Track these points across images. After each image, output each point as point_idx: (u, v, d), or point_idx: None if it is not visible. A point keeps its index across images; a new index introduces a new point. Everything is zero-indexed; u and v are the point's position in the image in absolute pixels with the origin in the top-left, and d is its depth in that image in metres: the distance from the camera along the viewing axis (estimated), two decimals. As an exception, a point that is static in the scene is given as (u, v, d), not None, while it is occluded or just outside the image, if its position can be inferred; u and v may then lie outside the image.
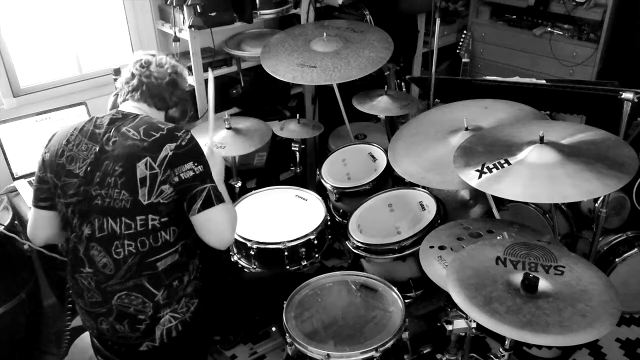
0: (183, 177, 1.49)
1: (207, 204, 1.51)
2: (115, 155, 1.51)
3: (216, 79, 2.67)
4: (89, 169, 1.53)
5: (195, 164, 1.51)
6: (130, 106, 1.66)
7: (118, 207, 1.49)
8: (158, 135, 1.52)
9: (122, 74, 1.72)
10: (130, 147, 1.50)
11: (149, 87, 1.66)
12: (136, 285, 1.52)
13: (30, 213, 1.68)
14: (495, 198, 2.07)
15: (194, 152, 1.53)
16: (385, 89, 2.64)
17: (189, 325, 1.59)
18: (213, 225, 1.54)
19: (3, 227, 2.04)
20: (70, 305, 1.91)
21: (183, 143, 1.51)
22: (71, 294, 1.67)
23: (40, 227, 1.67)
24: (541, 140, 1.67)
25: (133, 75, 1.67)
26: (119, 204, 1.49)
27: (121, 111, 1.62)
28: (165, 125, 1.55)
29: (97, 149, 1.54)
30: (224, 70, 2.71)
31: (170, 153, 1.49)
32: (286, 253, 2.04)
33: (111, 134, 1.55)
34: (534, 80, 2.40)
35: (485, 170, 1.66)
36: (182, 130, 1.54)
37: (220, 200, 1.54)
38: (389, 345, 1.66)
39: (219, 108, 2.73)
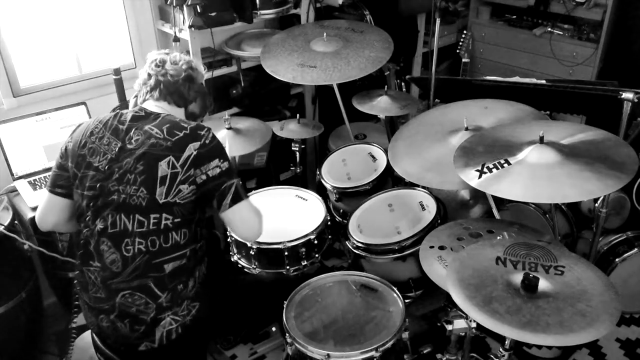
0: (210, 175, 1.53)
1: (237, 199, 1.57)
2: (137, 153, 1.53)
3: (216, 79, 2.69)
4: (108, 164, 1.55)
5: (221, 161, 1.56)
6: (151, 105, 1.68)
7: (133, 204, 1.51)
8: (182, 134, 1.54)
9: (139, 76, 1.74)
10: (153, 145, 1.53)
11: (166, 85, 1.68)
12: (141, 286, 1.53)
13: (43, 197, 1.69)
14: (495, 198, 2.06)
15: (218, 150, 1.57)
16: (385, 89, 2.64)
17: (189, 328, 1.59)
18: (244, 218, 1.61)
19: (3, 227, 2.04)
20: (77, 303, 1.91)
21: (207, 141, 1.55)
22: (77, 287, 1.68)
23: (52, 212, 1.69)
24: (541, 140, 1.67)
25: (149, 75, 1.70)
26: (135, 200, 1.51)
27: (144, 109, 1.64)
28: (188, 124, 1.57)
29: (119, 145, 1.56)
30: (224, 70, 2.70)
31: (195, 152, 1.52)
32: (286, 253, 2.04)
33: (134, 131, 1.57)
34: (534, 80, 2.40)
35: (485, 170, 1.66)
36: (204, 128, 1.58)
37: (246, 194, 1.60)
38: (389, 345, 1.66)
39: (219, 108, 2.74)
